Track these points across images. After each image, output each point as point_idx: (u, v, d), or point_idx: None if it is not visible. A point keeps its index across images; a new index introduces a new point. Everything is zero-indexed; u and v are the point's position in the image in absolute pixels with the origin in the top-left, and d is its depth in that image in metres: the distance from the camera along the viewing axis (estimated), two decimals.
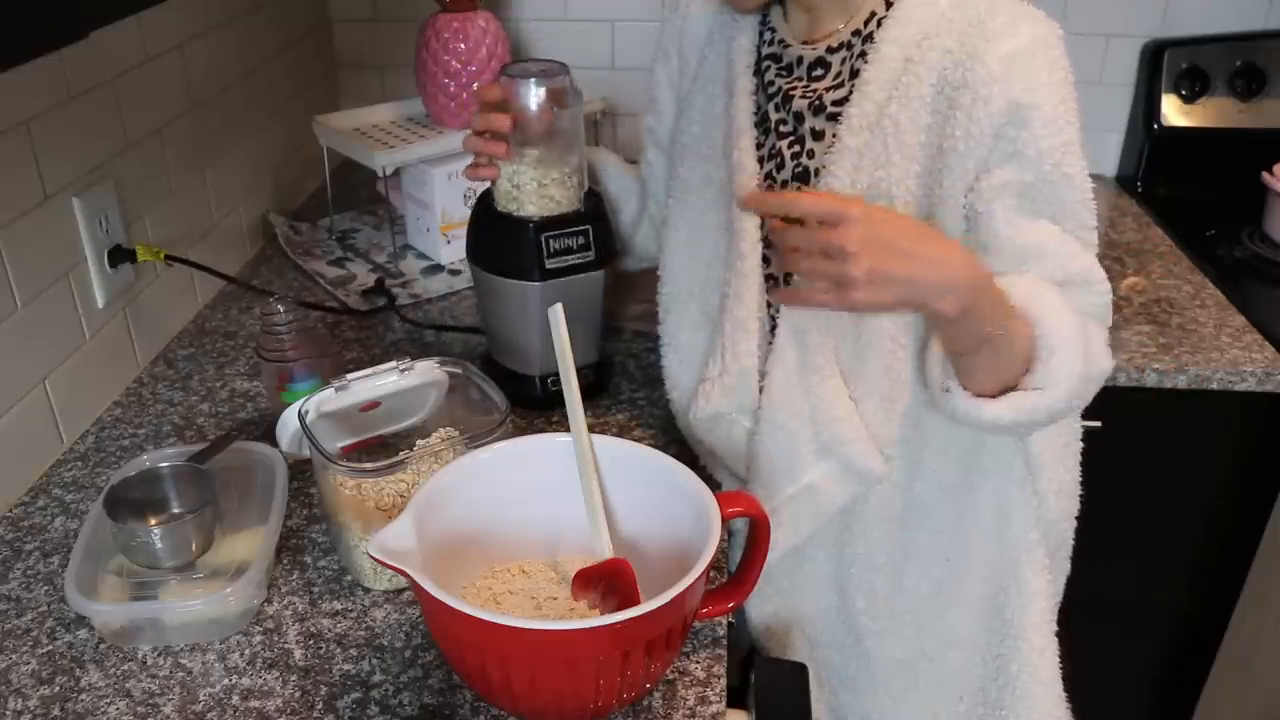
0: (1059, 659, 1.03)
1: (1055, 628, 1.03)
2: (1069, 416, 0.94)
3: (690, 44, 1.06)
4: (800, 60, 0.94)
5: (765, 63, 0.97)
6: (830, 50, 0.92)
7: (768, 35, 0.98)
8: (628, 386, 1.21)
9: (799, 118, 0.94)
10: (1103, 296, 0.87)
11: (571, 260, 1.08)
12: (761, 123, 0.97)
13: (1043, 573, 0.99)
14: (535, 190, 1.07)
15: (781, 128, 0.95)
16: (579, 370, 1.14)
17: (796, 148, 0.94)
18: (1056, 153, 0.81)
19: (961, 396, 0.83)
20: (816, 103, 0.93)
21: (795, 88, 0.94)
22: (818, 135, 0.93)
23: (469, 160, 1.54)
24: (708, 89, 1.02)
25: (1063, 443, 0.99)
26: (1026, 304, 0.80)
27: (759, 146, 0.97)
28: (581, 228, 1.08)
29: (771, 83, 0.97)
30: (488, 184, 1.11)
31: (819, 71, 0.93)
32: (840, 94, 0.91)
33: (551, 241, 1.07)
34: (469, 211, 1.52)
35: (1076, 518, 1.05)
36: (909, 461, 0.95)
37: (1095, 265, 0.87)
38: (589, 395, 1.14)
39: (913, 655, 1.02)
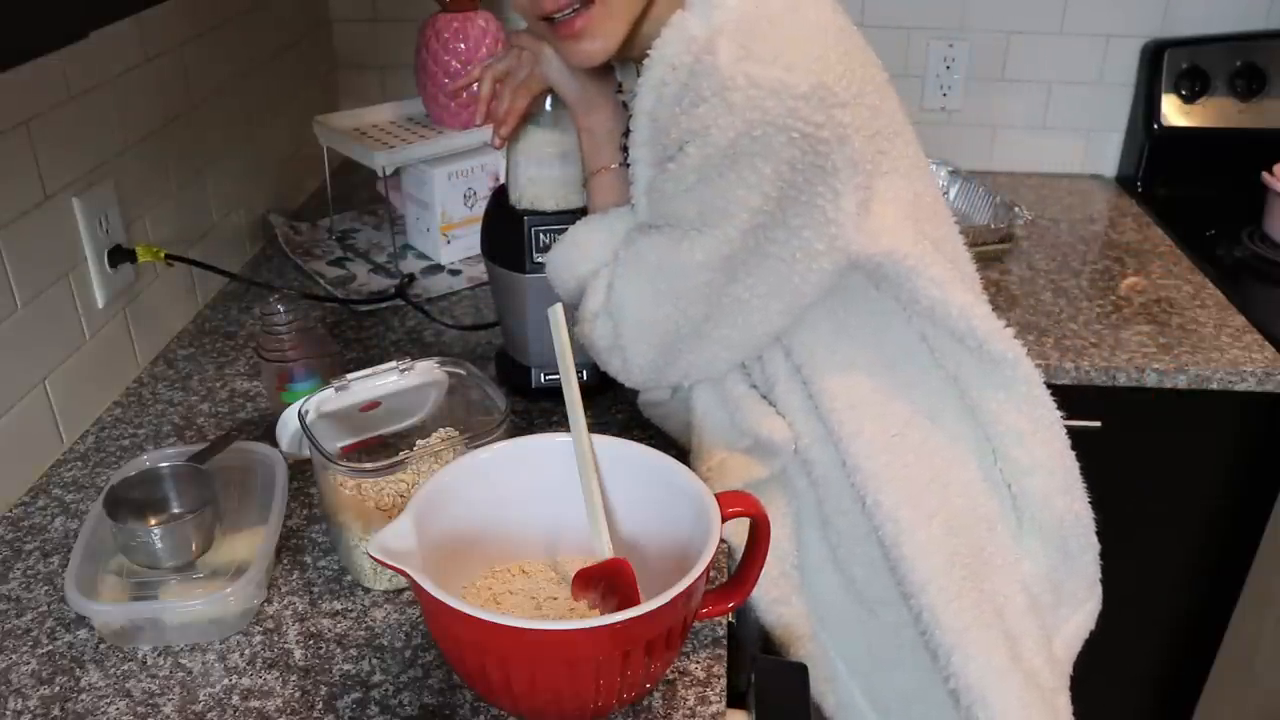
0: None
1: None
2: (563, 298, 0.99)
3: None
4: (625, 105, 0.97)
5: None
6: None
7: (620, 77, 1.00)
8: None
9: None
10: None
11: None
12: None
13: (1011, 549, 0.99)
14: (534, 180, 1.08)
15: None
16: (582, 369, 1.15)
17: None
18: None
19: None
20: (626, 156, 0.95)
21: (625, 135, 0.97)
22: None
23: (469, 160, 1.55)
24: None
25: (1029, 424, 0.98)
26: (601, 195, 0.97)
27: None
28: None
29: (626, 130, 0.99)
30: (494, 180, 1.12)
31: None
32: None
33: (540, 235, 1.07)
34: (469, 211, 1.53)
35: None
36: (838, 442, 0.96)
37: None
38: (587, 395, 1.14)
39: (921, 629, 1.01)
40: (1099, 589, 1.09)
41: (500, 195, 1.13)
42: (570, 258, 0.97)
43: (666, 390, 1.03)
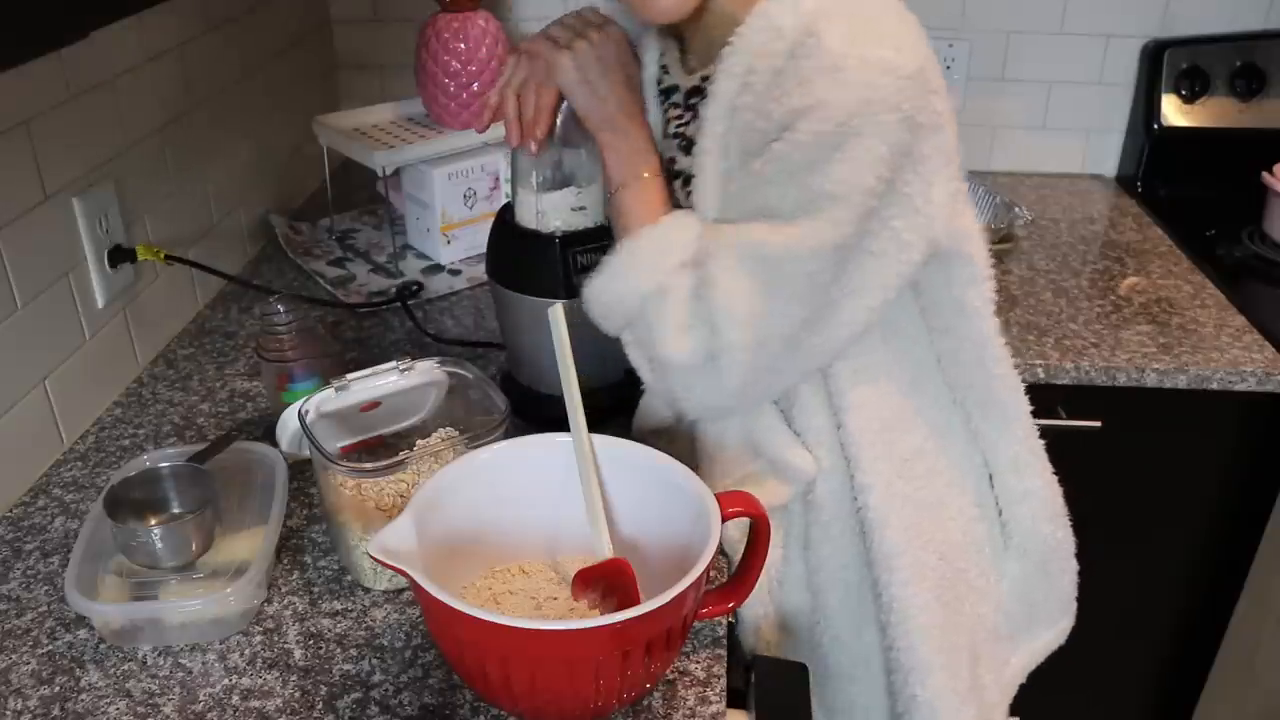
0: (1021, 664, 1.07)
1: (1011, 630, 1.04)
2: (626, 342, 0.94)
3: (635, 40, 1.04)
4: (677, 89, 0.95)
5: (664, 93, 0.97)
6: (704, 79, 0.91)
7: (663, 62, 0.97)
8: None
9: (676, 159, 0.95)
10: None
11: None
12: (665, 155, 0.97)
13: (992, 570, 1.01)
14: (564, 206, 1.04)
15: (673, 166, 0.95)
16: (601, 391, 1.13)
17: (685, 189, 0.93)
18: None
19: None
20: (684, 143, 0.93)
21: (681, 121, 0.94)
22: (689, 179, 0.91)
23: (469, 160, 1.54)
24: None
25: (1026, 450, 1.00)
26: (644, 216, 0.90)
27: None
28: (609, 242, 1.04)
29: (673, 118, 0.96)
30: (494, 181, 1.09)
31: (695, 100, 0.92)
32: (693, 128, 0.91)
33: (578, 257, 1.04)
34: (469, 211, 1.53)
35: (1071, 522, 1.05)
36: (855, 463, 0.95)
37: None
38: (613, 416, 1.13)
39: (887, 643, 1.02)
40: (1074, 607, 1.10)
41: (506, 218, 1.09)
42: (620, 290, 0.89)
43: (670, 415, 1.01)
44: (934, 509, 0.96)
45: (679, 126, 0.95)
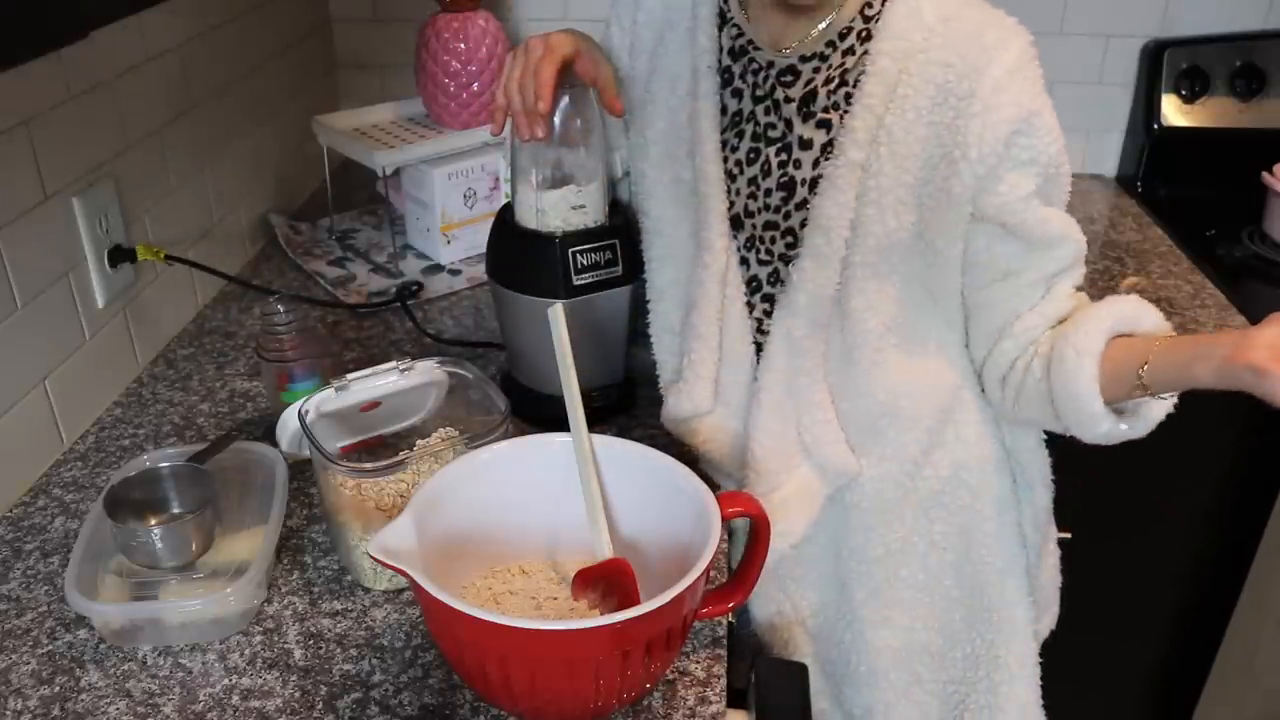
0: (1037, 646, 1.08)
1: (1034, 614, 1.06)
2: None
3: (646, 18, 1.02)
4: (771, 65, 0.94)
5: (731, 63, 0.96)
6: (803, 59, 0.92)
7: (732, 32, 0.96)
8: None
9: (789, 124, 0.93)
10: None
11: (600, 276, 1.06)
12: (732, 125, 0.97)
13: (1021, 560, 1.03)
14: (563, 205, 1.04)
15: (770, 132, 0.95)
16: (603, 390, 1.13)
17: (784, 155, 0.94)
18: (1059, 154, 0.91)
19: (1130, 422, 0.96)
20: (806, 110, 0.92)
21: (775, 91, 0.94)
22: (805, 144, 0.92)
23: (469, 160, 1.54)
24: (670, 84, 1.00)
25: (1036, 439, 1.03)
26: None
27: (731, 149, 0.97)
28: (609, 242, 1.05)
29: (752, 85, 0.95)
30: (494, 181, 1.09)
31: (788, 78, 0.93)
32: (822, 102, 0.91)
33: (579, 257, 1.04)
34: (469, 211, 1.53)
35: (1063, 514, 1.09)
36: (900, 455, 0.97)
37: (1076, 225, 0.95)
38: (611, 415, 1.13)
39: (911, 646, 1.02)
40: (1058, 595, 1.14)
41: (507, 217, 1.09)
42: None
43: (709, 402, 1.01)
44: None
45: (789, 96, 0.93)
